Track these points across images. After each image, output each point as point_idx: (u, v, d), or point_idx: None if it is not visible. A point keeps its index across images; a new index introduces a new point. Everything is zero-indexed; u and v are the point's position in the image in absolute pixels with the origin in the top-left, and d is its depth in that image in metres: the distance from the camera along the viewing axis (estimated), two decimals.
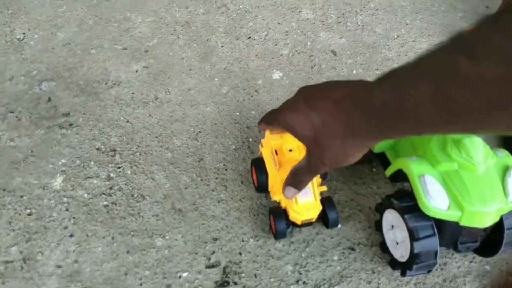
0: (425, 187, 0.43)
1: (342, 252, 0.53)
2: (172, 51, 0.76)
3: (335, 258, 0.52)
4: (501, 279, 0.51)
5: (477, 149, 0.43)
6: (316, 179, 0.53)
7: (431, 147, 0.46)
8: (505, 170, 0.45)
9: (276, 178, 0.53)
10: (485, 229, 0.45)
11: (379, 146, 0.53)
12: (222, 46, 0.77)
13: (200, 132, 0.65)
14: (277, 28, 0.81)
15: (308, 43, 0.78)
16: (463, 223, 0.43)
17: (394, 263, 0.50)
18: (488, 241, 0.48)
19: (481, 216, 0.42)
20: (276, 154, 0.54)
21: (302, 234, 0.54)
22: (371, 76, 0.73)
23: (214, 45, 0.77)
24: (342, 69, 0.74)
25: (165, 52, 0.75)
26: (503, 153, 0.47)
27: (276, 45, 0.78)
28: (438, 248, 0.45)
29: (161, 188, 0.58)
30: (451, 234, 0.46)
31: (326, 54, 0.76)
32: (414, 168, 0.45)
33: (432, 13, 0.85)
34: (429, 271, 0.48)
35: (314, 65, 0.74)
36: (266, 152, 0.55)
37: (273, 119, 0.44)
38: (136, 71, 0.73)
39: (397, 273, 0.51)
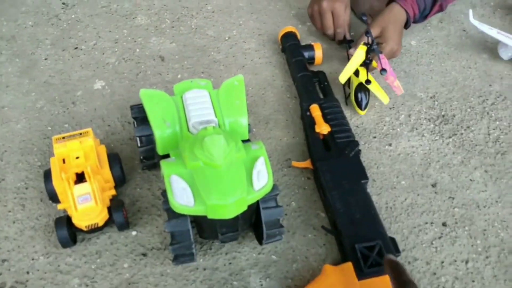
0: (172, 186, 0.45)
1: (134, 259, 0.54)
2: None
3: (126, 265, 0.53)
4: (285, 267, 0.54)
5: (216, 146, 0.46)
6: (101, 185, 0.53)
7: (185, 147, 0.48)
8: (255, 161, 0.48)
9: (61, 186, 0.53)
10: (238, 219, 0.47)
11: (164, 148, 0.55)
12: (46, 59, 0.76)
13: (6, 151, 0.63)
14: (107, 36, 0.80)
15: (137, 50, 0.78)
16: (210, 216, 0.46)
17: None
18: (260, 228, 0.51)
19: (223, 208, 0.45)
20: (64, 162, 0.54)
21: (96, 245, 0.54)
22: None
23: (37, 58, 0.76)
24: (168, 74, 0.75)
25: None
26: (257, 146, 0.50)
27: (103, 54, 0.77)
28: (194, 250, 0.48)
29: None
30: (209, 227, 0.49)
31: (154, 60, 0.77)
32: (166, 168, 0.47)
33: (267, 13, 0.88)
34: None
35: (140, 72, 0.75)
36: (53, 161, 0.55)
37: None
38: None
39: (185, 272, 0.52)
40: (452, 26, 0.86)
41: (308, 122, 0.64)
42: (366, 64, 0.66)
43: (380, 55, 0.65)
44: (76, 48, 0.78)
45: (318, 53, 0.74)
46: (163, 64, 0.76)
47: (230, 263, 0.54)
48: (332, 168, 0.58)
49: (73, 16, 0.83)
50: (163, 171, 0.47)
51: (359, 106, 0.68)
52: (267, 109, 0.71)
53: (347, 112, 0.69)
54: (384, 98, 0.68)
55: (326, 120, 0.63)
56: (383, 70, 0.64)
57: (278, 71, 0.76)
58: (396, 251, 0.53)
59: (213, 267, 0.53)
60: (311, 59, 0.75)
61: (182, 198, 0.45)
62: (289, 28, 0.77)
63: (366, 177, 0.58)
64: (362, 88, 0.67)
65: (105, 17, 0.84)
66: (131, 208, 0.58)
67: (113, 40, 0.79)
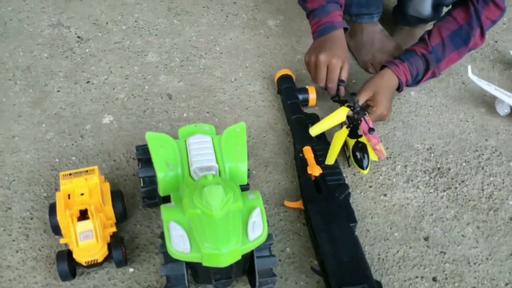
0: (170, 232, 0.47)
1: None
2: (6, 97, 0.77)
3: None
4: None
5: (214, 196, 0.48)
6: (103, 222, 0.55)
7: (185, 193, 0.50)
8: (251, 212, 0.50)
9: (64, 221, 0.55)
10: (232, 267, 0.49)
11: (165, 190, 0.57)
12: (58, 91, 0.79)
13: (14, 180, 0.65)
14: (119, 72, 0.83)
15: (146, 87, 0.81)
16: (205, 263, 0.47)
17: None
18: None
19: (217, 257, 0.47)
20: (69, 198, 0.56)
21: (95, 280, 0.56)
22: (200, 119, 0.77)
23: (50, 90, 0.79)
24: (174, 112, 0.78)
25: None
26: (255, 195, 0.52)
27: (114, 89, 0.80)
28: None
29: None
30: (203, 273, 0.50)
31: (162, 97, 0.80)
32: (165, 214, 0.49)
33: (273, 56, 0.91)
34: None
35: (147, 109, 0.78)
36: (58, 196, 0.57)
37: None
38: None
39: None
40: (451, 78, 0.89)
41: (300, 164, 0.66)
42: (354, 126, 0.66)
43: (365, 116, 0.64)
44: (88, 82, 0.81)
45: (312, 96, 0.78)
46: (170, 102, 0.79)
47: None
48: (322, 211, 0.60)
49: (87, 50, 0.87)
50: (163, 216, 0.49)
51: (360, 166, 0.67)
52: (268, 151, 0.73)
53: (350, 170, 0.71)
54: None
55: (318, 162, 0.65)
56: (370, 129, 0.63)
57: (280, 114, 0.79)
58: None
59: None
60: (305, 101, 0.78)
61: (179, 245, 0.47)
62: (285, 71, 0.81)
63: (354, 220, 0.60)
64: (360, 147, 0.67)
65: (118, 53, 0.87)
66: (130, 244, 0.59)
67: (124, 76, 0.83)
